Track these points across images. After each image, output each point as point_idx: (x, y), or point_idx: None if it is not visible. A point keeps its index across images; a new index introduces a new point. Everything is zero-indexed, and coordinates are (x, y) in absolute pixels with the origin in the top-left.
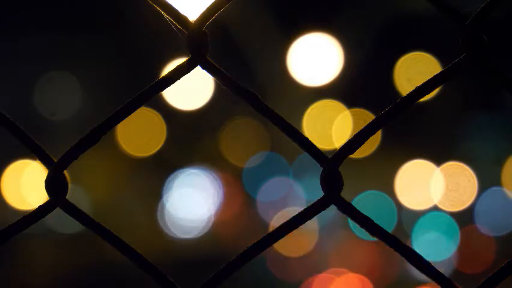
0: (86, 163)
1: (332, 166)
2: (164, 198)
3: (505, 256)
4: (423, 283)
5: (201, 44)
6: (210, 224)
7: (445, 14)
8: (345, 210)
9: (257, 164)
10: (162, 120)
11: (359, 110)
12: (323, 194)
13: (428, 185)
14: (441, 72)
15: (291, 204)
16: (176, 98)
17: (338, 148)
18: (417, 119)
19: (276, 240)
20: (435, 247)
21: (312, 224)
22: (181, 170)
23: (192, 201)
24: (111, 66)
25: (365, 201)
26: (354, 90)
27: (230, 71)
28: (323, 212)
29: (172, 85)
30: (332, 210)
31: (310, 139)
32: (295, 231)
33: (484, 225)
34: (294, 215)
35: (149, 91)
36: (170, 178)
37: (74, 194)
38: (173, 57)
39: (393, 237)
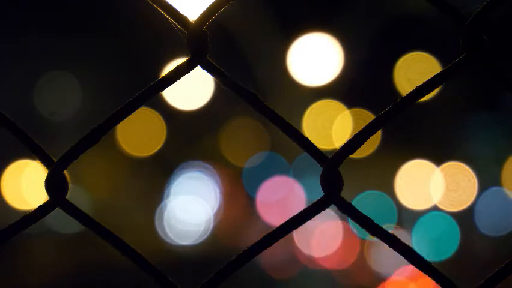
0: (86, 163)
1: (332, 166)
2: (165, 199)
3: (505, 256)
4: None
5: (201, 44)
6: (210, 224)
7: (445, 13)
8: (345, 210)
9: (257, 164)
10: (162, 120)
11: (359, 110)
12: (323, 193)
13: (428, 185)
14: (441, 72)
15: (291, 204)
16: (176, 98)
17: (338, 148)
18: (417, 119)
19: (276, 240)
20: (435, 247)
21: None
22: (181, 170)
23: (192, 202)
24: (111, 66)
25: (365, 201)
26: (354, 90)
27: (230, 71)
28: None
29: (172, 85)
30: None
31: (310, 139)
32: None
33: (484, 225)
34: (294, 215)
35: (149, 91)
36: (170, 179)
37: (74, 194)
38: (173, 57)
39: (393, 237)
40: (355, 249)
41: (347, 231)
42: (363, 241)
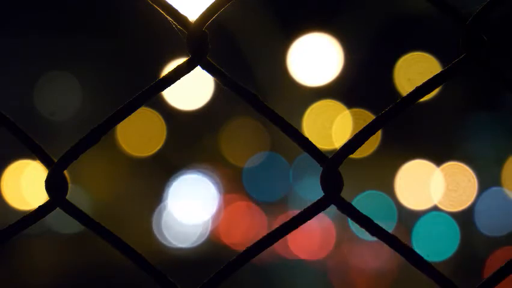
0: (86, 163)
1: (332, 166)
2: (164, 199)
3: (505, 256)
4: None
5: (201, 44)
6: (210, 225)
7: (445, 13)
8: (345, 210)
9: (257, 164)
10: (162, 120)
11: (359, 110)
12: (323, 194)
13: (428, 185)
14: (441, 73)
15: (291, 204)
16: (176, 98)
17: (338, 148)
18: (417, 119)
19: (276, 240)
20: (435, 247)
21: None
22: (181, 170)
23: (192, 203)
24: (111, 66)
25: (365, 201)
26: (354, 90)
27: (230, 71)
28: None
29: (172, 85)
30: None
31: (310, 139)
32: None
33: (484, 225)
34: (294, 215)
35: (149, 91)
36: (170, 179)
37: (74, 194)
38: (173, 57)
39: (394, 237)
40: (331, 240)
41: (322, 222)
42: (339, 232)
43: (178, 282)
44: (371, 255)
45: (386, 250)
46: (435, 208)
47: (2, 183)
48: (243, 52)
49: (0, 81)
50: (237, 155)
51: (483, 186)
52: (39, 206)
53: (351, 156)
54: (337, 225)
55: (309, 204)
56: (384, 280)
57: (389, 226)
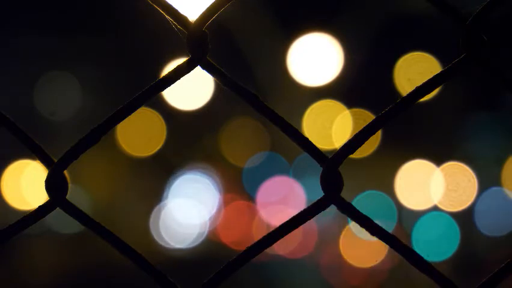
0: (86, 163)
1: (332, 166)
2: (164, 199)
3: (505, 256)
4: None
5: (201, 44)
6: (210, 225)
7: (445, 13)
8: (345, 210)
9: (257, 164)
10: (162, 120)
11: (359, 110)
12: (323, 194)
13: (428, 185)
14: (441, 73)
15: (291, 204)
16: (176, 98)
17: (338, 148)
18: (417, 119)
19: (276, 240)
20: (435, 247)
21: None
22: (181, 170)
23: (192, 203)
24: (111, 67)
25: (365, 201)
26: (354, 90)
27: (230, 71)
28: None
29: (172, 85)
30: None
31: (310, 139)
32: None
33: (484, 225)
34: (294, 215)
35: (149, 91)
36: (170, 179)
37: (74, 194)
38: (173, 57)
39: (393, 237)
40: (329, 239)
41: (321, 222)
42: (338, 232)
43: (178, 282)
44: (370, 255)
45: (384, 249)
46: (435, 208)
47: (2, 183)
48: (243, 52)
49: (0, 81)
50: (237, 155)
51: (483, 186)
52: (39, 206)
53: (351, 156)
54: (337, 225)
55: (309, 204)
56: (383, 279)
57: (389, 226)
